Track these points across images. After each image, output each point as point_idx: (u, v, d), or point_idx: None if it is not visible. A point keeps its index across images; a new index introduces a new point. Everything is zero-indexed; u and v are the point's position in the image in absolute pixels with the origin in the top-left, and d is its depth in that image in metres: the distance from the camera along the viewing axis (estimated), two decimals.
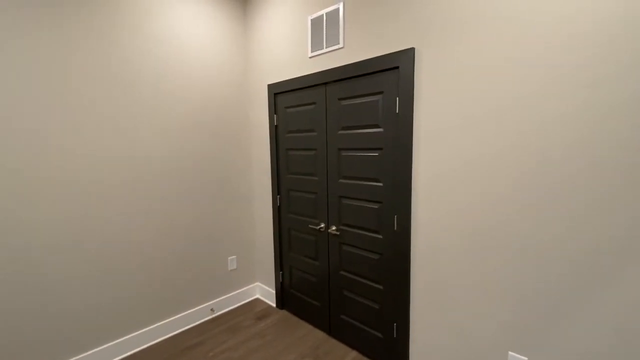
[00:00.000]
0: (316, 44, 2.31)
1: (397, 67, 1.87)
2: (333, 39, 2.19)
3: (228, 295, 2.99)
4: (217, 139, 2.80)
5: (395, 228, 1.99)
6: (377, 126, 2.03)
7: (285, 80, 2.58)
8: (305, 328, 2.67)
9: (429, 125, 1.77)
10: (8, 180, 1.83)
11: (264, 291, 3.15)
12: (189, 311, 2.71)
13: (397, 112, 1.91)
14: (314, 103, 2.41)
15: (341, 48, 2.16)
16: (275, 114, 2.75)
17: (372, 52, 1.98)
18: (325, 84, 2.30)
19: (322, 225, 2.45)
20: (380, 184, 2.05)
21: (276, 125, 2.76)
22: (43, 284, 1.97)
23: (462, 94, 1.63)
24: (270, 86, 2.74)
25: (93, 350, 2.19)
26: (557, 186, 1.38)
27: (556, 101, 1.36)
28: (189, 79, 2.57)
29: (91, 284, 2.17)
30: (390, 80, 1.92)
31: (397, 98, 1.89)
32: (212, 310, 2.87)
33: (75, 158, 2.06)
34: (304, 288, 2.73)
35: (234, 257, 3.02)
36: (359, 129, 2.13)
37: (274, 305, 3.05)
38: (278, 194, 2.84)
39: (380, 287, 2.14)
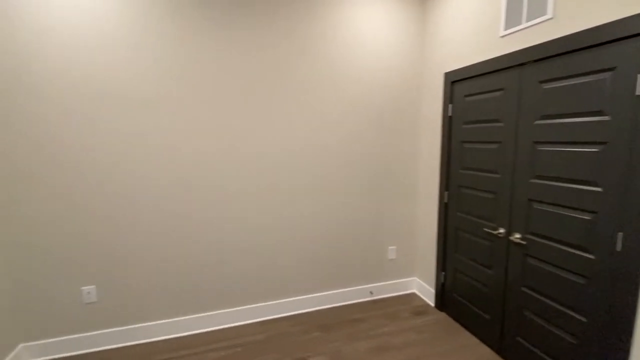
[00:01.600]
0: (512, 20, 1.98)
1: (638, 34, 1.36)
2: (537, 10, 1.82)
3: (385, 283, 3.10)
4: (384, 130, 2.88)
5: (618, 248, 1.50)
6: (599, 113, 1.56)
7: (466, 67, 2.35)
8: (468, 338, 2.44)
9: None
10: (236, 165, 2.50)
11: (422, 287, 3.08)
12: (351, 288, 2.98)
13: (638, 93, 1.40)
14: (501, 89, 2.10)
15: (549, 19, 1.76)
16: (450, 103, 2.57)
17: (597, 18, 1.52)
18: (522, 65, 1.94)
19: (502, 230, 2.14)
20: (598, 189, 1.58)
21: (450, 116, 2.58)
22: (259, 249, 2.62)
23: None
24: (447, 74, 2.57)
25: (283, 300, 2.76)
26: None
27: None
28: (364, 75, 2.74)
29: (285, 252, 2.71)
30: (627, 52, 1.43)
31: None
32: (371, 292, 3.05)
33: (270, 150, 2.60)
34: (470, 295, 2.48)
35: (394, 247, 3.08)
36: (567, 117, 1.71)
37: (431, 304, 2.94)
38: (446, 190, 2.67)
39: (583, 319, 1.68)
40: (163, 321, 2.45)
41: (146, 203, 2.32)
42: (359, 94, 2.74)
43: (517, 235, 2.02)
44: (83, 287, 2.26)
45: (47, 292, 2.20)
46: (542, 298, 1.90)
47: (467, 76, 2.36)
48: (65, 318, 2.26)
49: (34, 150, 2.07)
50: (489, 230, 2.23)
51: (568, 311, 1.76)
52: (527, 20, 1.88)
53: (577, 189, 1.67)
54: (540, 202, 1.87)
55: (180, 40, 2.25)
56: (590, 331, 1.65)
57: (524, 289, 2.02)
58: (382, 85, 2.80)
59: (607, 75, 1.52)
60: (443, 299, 2.81)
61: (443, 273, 2.78)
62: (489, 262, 2.28)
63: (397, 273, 3.14)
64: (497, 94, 2.13)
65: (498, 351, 2.24)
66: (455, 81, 2.51)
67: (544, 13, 1.79)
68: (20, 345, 2.19)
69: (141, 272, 2.37)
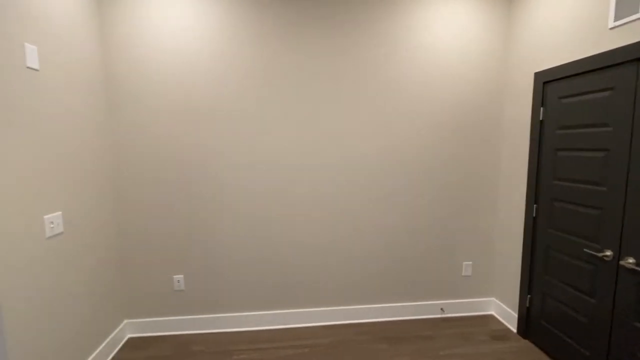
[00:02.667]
0: (624, 8, 1.70)
1: None
2: None
3: (459, 301, 2.87)
4: (462, 136, 2.70)
5: None
6: None
7: (563, 65, 2.09)
8: None
9: None
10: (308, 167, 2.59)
11: (501, 310, 2.78)
12: (420, 303, 2.83)
13: None
14: (610, 89, 1.81)
15: None
16: (542, 106, 2.30)
17: None
18: (639, 60, 1.65)
19: (609, 253, 1.82)
20: None
21: (542, 120, 2.31)
22: (334, 255, 2.68)
23: None
24: (538, 74, 2.31)
25: (351, 307, 2.75)
26: None
27: None
28: (444, 76, 2.61)
29: (357, 259, 2.72)
30: None
31: None
32: (441, 309, 2.86)
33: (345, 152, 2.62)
34: (564, 324, 2.16)
35: (469, 263, 2.85)
36: None
37: (513, 329, 2.63)
38: (535, 203, 2.38)
39: None
40: (239, 314, 2.65)
41: (237, 207, 2.55)
42: (436, 96, 2.63)
43: (631, 260, 1.70)
44: (174, 276, 2.57)
45: (145, 277, 2.56)
46: None
47: (563, 75, 2.09)
48: (159, 302, 2.59)
49: (153, 152, 2.44)
50: (591, 252, 1.92)
51: None
52: None
53: None
54: None
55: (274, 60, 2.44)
56: None
57: (638, 324, 1.68)
58: (462, 88, 2.64)
59: None
60: (528, 324, 2.50)
61: (529, 296, 2.47)
62: (590, 288, 1.96)
63: (472, 291, 2.89)
64: (605, 94, 1.84)
65: None
66: (547, 82, 2.24)
67: None
68: (125, 321, 2.57)
69: (227, 268, 2.60)
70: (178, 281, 2.57)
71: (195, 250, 2.56)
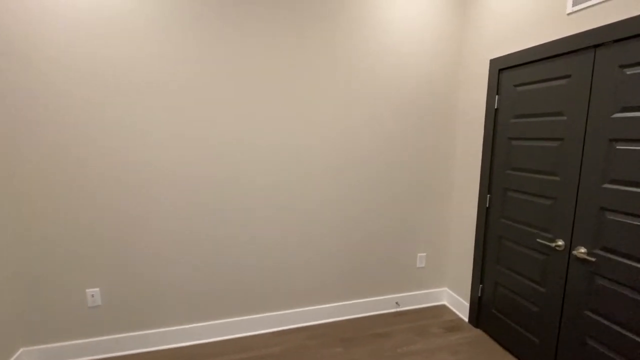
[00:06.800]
0: None
1: None
2: None
3: (413, 293, 2.82)
4: (417, 125, 2.58)
5: None
6: None
7: (519, 51, 2.03)
8: None
9: None
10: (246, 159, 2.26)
11: (453, 300, 2.78)
12: (375, 298, 2.72)
13: None
14: (567, 76, 1.77)
15: None
16: (497, 94, 2.25)
17: None
18: (596, 46, 1.62)
19: (561, 243, 1.82)
20: None
21: (496, 109, 2.26)
22: (275, 252, 2.39)
23: None
24: (493, 61, 2.25)
25: (301, 308, 2.52)
26: None
27: None
28: (393, 63, 2.45)
29: (303, 255, 2.47)
30: None
31: None
32: (397, 303, 2.77)
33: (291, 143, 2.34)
34: (515, 313, 2.18)
35: (423, 254, 2.79)
36: None
37: (465, 319, 2.64)
38: (489, 193, 2.36)
39: None
40: (175, 328, 2.26)
41: (167, 200, 2.12)
42: (389, 84, 2.45)
43: (583, 250, 1.71)
44: (88, 290, 2.09)
45: (50, 293, 2.04)
46: (612, 325, 1.59)
47: (519, 63, 2.04)
48: (69, 322, 2.09)
49: (40, 144, 1.89)
50: (544, 242, 1.92)
51: None
52: None
53: None
54: (618, 212, 1.55)
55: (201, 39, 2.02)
56: None
57: (588, 313, 1.70)
58: (417, 75, 2.50)
59: None
60: (479, 314, 2.51)
61: (481, 285, 2.48)
62: (540, 277, 1.97)
63: (426, 283, 2.85)
64: (561, 82, 1.80)
65: None
66: (503, 69, 2.19)
67: None
68: (21, 350, 2.03)
69: (156, 274, 2.18)
70: (92, 295, 2.10)
71: (114, 256, 2.10)
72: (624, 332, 1.55)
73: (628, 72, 1.49)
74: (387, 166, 2.56)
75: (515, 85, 2.11)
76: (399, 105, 2.50)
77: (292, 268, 2.46)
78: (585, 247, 1.70)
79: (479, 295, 2.49)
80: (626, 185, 1.52)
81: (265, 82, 2.19)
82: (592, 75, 1.64)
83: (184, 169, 2.13)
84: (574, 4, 1.71)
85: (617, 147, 1.54)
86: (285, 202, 2.36)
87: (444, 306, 2.86)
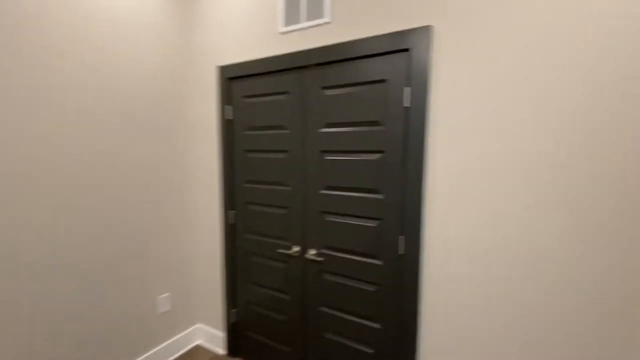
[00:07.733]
0: (291, 17, 1.79)
1: (406, 50, 1.48)
2: (316, 11, 1.71)
3: (160, 347, 2.20)
4: (139, 141, 2.03)
5: (401, 251, 1.59)
6: (376, 123, 1.60)
7: (245, 62, 1.99)
8: None
9: (449, 122, 1.42)
10: None
11: (208, 335, 2.43)
12: None
13: (406, 105, 1.51)
14: (285, 92, 1.88)
15: (327, 23, 1.69)
16: (229, 104, 2.12)
17: (371, 29, 1.56)
18: (302, 68, 1.79)
19: (297, 249, 1.91)
20: (381, 196, 1.62)
21: (230, 120, 2.14)
22: None
23: (495, 83, 1.31)
24: (221, 68, 2.11)
25: None
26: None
27: None
28: (103, 69, 1.78)
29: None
30: (396, 66, 1.52)
31: (407, 89, 1.50)
32: None
33: None
34: (266, 329, 2.13)
35: (166, 294, 2.24)
36: (350, 126, 1.68)
37: (222, 352, 2.36)
38: (231, 209, 2.20)
39: (377, 325, 1.70)
40: None
41: None
42: (99, 93, 1.74)
43: (313, 252, 1.86)
44: None
45: None
46: (340, 314, 1.81)
47: (246, 73, 2.00)
48: None
49: None
50: (283, 251, 1.96)
51: (364, 321, 1.74)
52: (307, 20, 1.74)
53: (364, 197, 1.67)
54: (333, 213, 1.77)
55: None
56: (384, 337, 1.68)
57: (323, 308, 1.87)
58: (133, 80, 1.93)
59: (380, 86, 1.57)
60: (237, 341, 2.30)
61: (234, 310, 2.28)
62: (285, 286, 2.01)
63: (174, 328, 2.31)
64: (282, 97, 1.89)
65: None
66: (232, 78, 2.09)
67: (321, 15, 1.70)
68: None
69: None
70: None
71: None
72: (348, 317, 1.79)
73: (327, 93, 1.73)
74: (108, 198, 1.80)
75: (244, 97, 2.06)
76: (113, 121, 1.82)
77: None
78: (315, 249, 1.86)
79: (234, 321, 2.29)
80: (335, 190, 1.76)
81: None
82: (304, 93, 1.81)
83: None
84: (285, 24, 1.83)
85: (325, 157, 1.77)
86: None
87: (197, 347, 2.44)
